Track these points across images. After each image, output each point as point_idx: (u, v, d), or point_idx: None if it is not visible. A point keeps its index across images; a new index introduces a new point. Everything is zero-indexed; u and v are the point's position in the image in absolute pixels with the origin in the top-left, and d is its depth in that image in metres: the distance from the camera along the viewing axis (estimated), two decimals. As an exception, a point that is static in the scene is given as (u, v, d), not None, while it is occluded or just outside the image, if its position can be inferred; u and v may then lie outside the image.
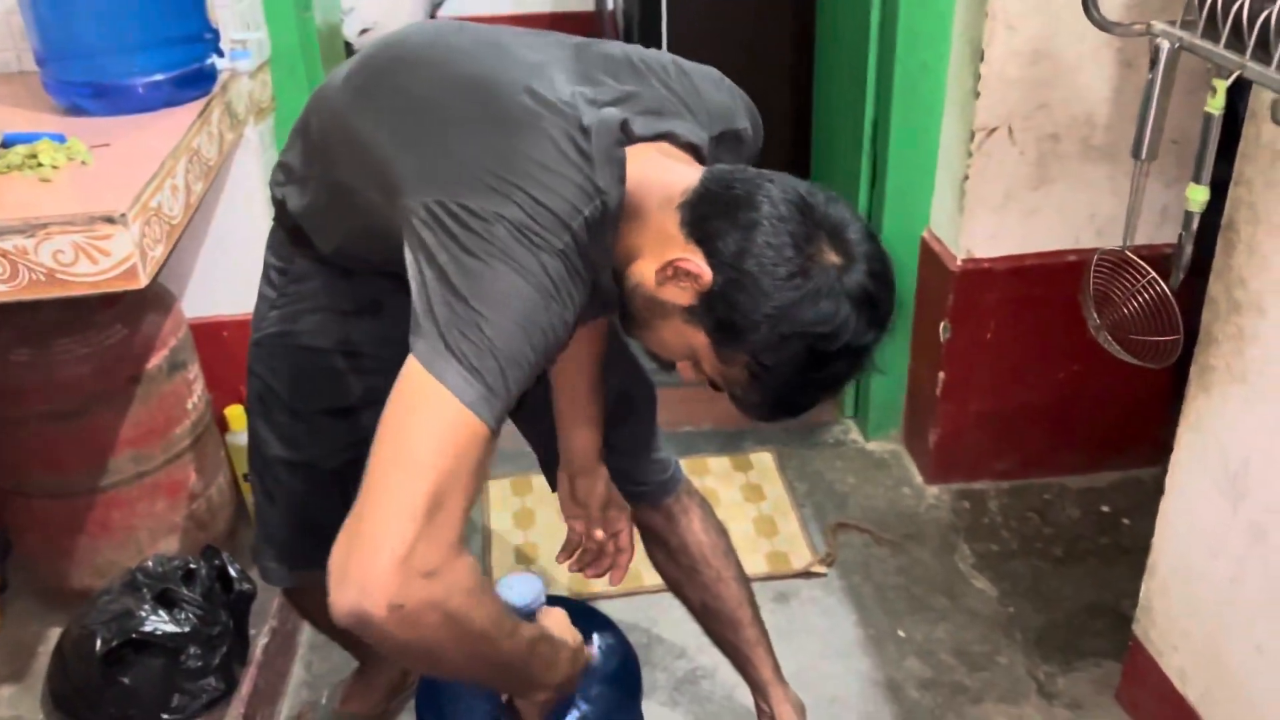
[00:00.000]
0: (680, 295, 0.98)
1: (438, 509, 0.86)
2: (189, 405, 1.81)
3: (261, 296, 1.36)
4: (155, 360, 1.73)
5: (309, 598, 1.56)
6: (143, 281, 1.31)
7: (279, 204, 1.27)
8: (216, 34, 1.70)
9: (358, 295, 1.30)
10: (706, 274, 0.95)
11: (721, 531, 1.62)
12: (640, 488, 1.54)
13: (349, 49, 3.23)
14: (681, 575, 1.60)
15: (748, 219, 0.94)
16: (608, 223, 0.98)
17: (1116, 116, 2.01)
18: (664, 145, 1.06)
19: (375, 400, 1.35)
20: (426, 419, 0.88)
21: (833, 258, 0.94)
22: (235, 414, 1.99)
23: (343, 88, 1.14)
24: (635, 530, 1.53)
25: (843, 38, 2.41)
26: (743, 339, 0.95)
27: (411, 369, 0.90)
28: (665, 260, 0.97)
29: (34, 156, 1.39)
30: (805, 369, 0.96)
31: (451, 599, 0.89)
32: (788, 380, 0.97)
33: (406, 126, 1.03)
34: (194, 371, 1.84)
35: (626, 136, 1.01)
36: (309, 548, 1.45)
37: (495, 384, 0.89)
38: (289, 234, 1.29)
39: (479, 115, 1.00)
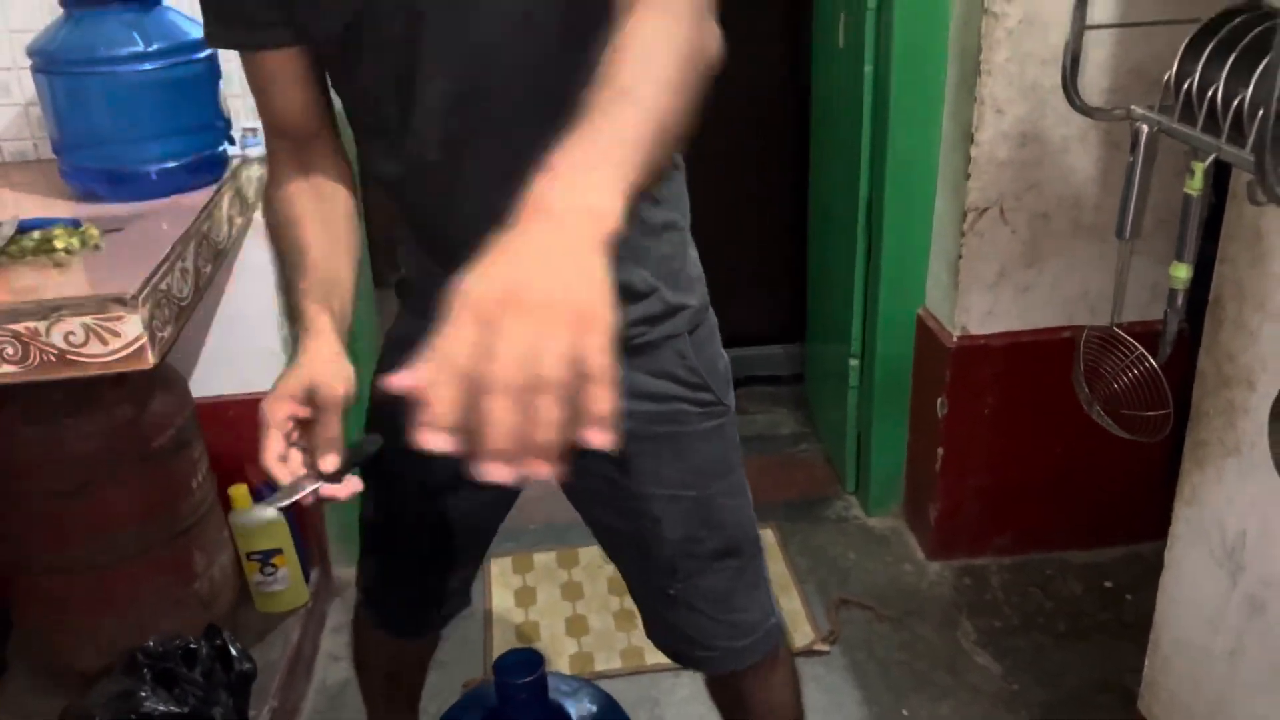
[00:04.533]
0: None
1: None
2: (194, 484, 1.82)
3: None
4: (161, 439, 1.75)
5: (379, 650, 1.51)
6: (151, 362, 1.34)
7: None
8: (229, 123, 1.75)
9: None
10: None
11: (790, 705, 1.38)
12: (702, 653, 1.29)
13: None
14: None
15: None
16: None
17: (1105, 196, 2.06)
18: None
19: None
20: None
21: None
22: (239, 493, 2.01)
23: None
24: None
25: (837, 120, 2.47)
26: None
27: None
28: None
29: (49, 241, 1.43)
30: None
31: None
32: None
33: None
34: (199, 450, 1.86)
35: None
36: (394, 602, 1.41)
37: None
38: None
39: None
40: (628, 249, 0.82)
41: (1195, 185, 1.21)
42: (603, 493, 1.22)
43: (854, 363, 2.48)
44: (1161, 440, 1.66)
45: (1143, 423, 1.60)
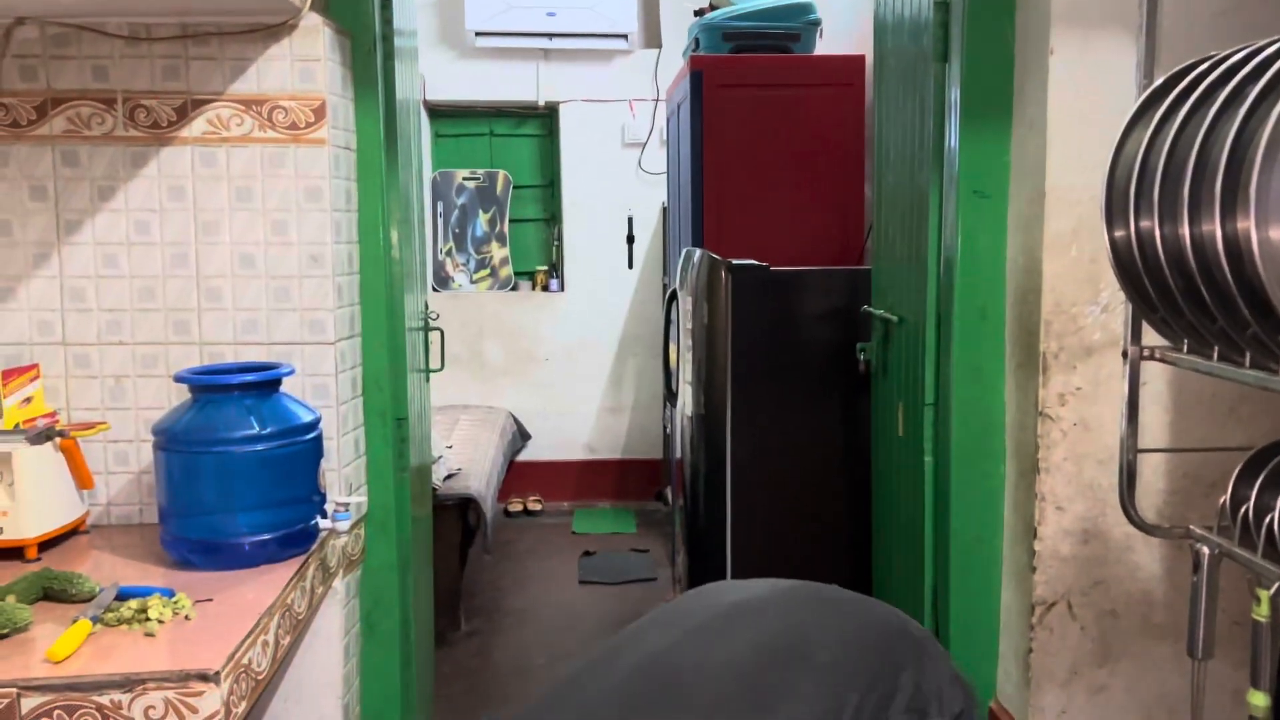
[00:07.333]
0: None
1: None
2: None
3: None
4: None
5: None
6: (223, 740, 1.36)
7: None
8: (323, 497, 1.86)
9: None
10: None
11: None
12: None
13: (435, 494, 3.45)
14: None
15: None
16: None
17: (1174, 595, 2.05)
18: None
19: None
20: None
21: None
22: None
23: None
24: None
25: (897, 503, 2.53)
26: None
27: None
28: None
29: (144, 611, 1.50)
30: None
31: None
32: None
33: None
34: (248, 825, 1.81)
35: None
36: None
37: None
38: None
39: None
40: None
41: (1263, 612, 1.22)
42: None
43: (924, 756, 2.38)
44: None
45: None
